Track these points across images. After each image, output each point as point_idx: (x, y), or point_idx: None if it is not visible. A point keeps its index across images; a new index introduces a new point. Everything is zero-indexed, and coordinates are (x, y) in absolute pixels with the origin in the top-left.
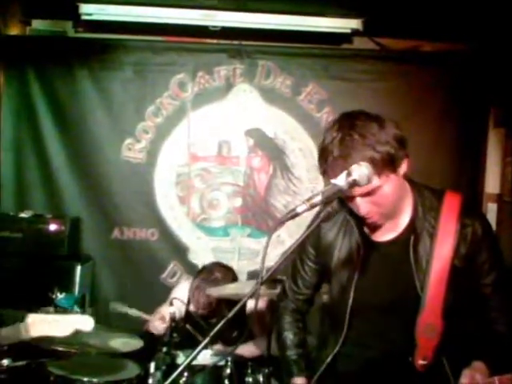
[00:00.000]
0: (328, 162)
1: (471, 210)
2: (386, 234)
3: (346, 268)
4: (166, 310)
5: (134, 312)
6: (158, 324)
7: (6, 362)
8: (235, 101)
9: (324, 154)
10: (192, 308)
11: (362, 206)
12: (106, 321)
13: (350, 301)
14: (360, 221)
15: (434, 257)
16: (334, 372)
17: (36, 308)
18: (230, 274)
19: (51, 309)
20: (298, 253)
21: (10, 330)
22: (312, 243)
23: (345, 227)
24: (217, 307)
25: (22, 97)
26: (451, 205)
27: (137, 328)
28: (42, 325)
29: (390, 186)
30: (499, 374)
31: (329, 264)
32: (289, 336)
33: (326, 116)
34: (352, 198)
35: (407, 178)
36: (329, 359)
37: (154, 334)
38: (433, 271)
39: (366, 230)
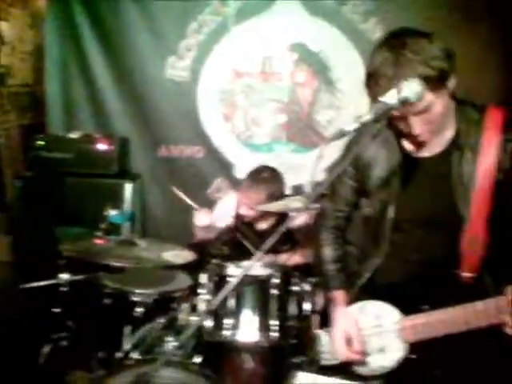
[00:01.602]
0: (381, 85)
1: None
2: (428, 150)
3: (387, 184)
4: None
5: (186, 198)
6: (202, 216)
7: (65, 276)
8: (278, 14)
9: (375, 76)
10: (242, 211)
11: (416, 125)
12: (157, 236)
13: (392, 215)
14: (401, 137)
15: (477, 171)
16: (373, 285)
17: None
18: (277, 175)
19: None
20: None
21: None
22: (351, 162)
23: (385, 144)
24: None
25: (66, 16)
26: (494, 120)
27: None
28: None
29: (442, 102)
30: None
31: (368, 181)
32: (327, 251)
33: (372, 27)
34: (404, 117)
35: (452, 94)
36: (368, 272)
37: (198, 228)
38: (476, 185)
39: (406, 145)
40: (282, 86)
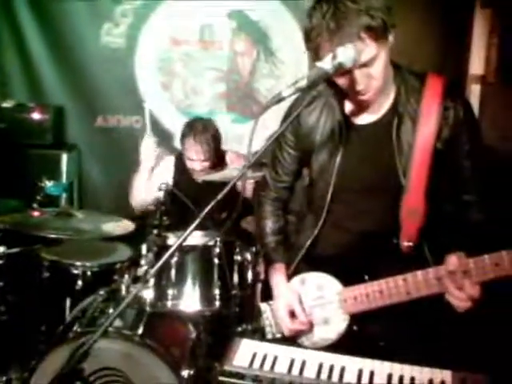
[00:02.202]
0: (323, 39)
1: (454, 92)
2: (367, 117)
3: (327, 151)
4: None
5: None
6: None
7: (1, 248)
8: None
9: (316, 31)
10: (194, 165)
11: (360, 79)
12: (95, 207)
13: (332, 183)
14: (342, 103)
15: (416, 140)
16: (313, 256)
17: (26, 197)
18: (210, 121)
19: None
20: (276, 140)
21: None
22: (291, 130)
23: (326, 110)
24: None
25: None
26: (434, 87)
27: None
28: None
29: (385, 55)
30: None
31: (309, 148)
32: (268, 224)
33: None
34: (348, 72)
35: (391, 60)
36: (308, 243)
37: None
38: (415, 154)
39: (347, 112)
40: (221, 55)
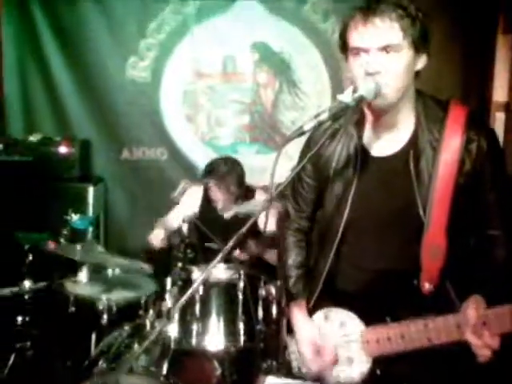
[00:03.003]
0: (356, 20)
1: (477, 123)
2: (386, 148)
3: (342, 181)
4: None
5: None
6: (156, 233)
7: (27, 283)
8: (239, 13)
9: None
10: (216, 205)
11: (375, 60)
12: (120, 240)
13: (345, 215)
14: (361, 132)
15: (437, 173)
16: (334, 290)
17: (52, 231)
18: (235, 166)
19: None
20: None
21: None
22: (311, 159)
23: (344, 139)
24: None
25: (23, 18)
26: (456, 118)
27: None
28: None
29: (407, 58)
30: (495, 306)
31: (326, 177)
32: (291, 255)
33: (331, 26)
34: (364, 50)
35: (414, 87)
36: (323, 276)
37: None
38: (436, 187)
39: (366, 142)
40: (244, 87)
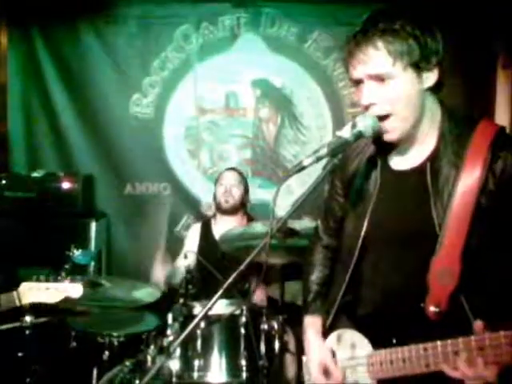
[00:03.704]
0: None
1: (507, 141)
2: (407, 162)
3: (363, 196)
4: (179, 263)
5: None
6: (159, 269)
7: (28, 318)
8: (241, 51)
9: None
10: (221, 197)
11: (368, 91)
12: (123, 274)
13: (363, 231)
14: (383, 146)
15: (457, 190)
16: (349, 311)
17: (54, 266)
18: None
19: (42, 276)
20: (327, 189)
21: (3, 297)
22: (338, 176)
23: (367, 155)
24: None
25: (28, 55)
26: (483, 134)
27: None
28: (33, 292)
29: (406, 82)
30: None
31: (351, 193)
32: (315, 271)
33: (332, 63)
34: (360, 81)
35: (440, 101)
36: (339, 298)
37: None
38: (454, 206)
39: (388, 157)
40: (247, 122)
